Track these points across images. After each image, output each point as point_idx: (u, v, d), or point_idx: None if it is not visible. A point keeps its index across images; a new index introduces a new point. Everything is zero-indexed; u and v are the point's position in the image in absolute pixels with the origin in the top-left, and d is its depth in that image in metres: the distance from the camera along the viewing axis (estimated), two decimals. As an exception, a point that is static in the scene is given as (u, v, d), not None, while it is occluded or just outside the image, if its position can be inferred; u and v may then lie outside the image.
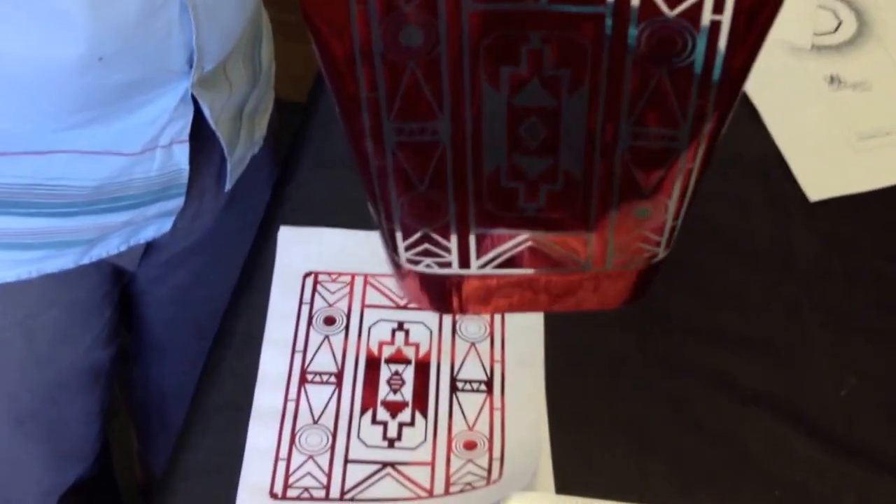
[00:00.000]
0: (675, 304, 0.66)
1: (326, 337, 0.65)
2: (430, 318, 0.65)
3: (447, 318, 0.65)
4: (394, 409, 0.62)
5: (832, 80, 0.80)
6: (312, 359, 0.64)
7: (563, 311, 0.52)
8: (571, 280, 0.49)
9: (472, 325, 0.65)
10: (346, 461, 0.59)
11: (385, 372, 0.63)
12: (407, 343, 0.64)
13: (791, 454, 0.61)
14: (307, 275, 0.67)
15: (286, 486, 0.58)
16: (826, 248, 0.70)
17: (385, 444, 0.60)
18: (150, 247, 0.73)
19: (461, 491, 0.58)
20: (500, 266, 0.47)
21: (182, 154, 0.62)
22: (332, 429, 0.61)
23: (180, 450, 0.61)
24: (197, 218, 0.71)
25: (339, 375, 0.63)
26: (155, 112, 0.59)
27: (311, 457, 0.60)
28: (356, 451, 0.60)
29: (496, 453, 0.60)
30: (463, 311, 0.51)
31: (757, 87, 0.78)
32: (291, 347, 0.64)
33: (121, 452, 0.96)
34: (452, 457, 0.60)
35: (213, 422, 0.61)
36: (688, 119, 0.39)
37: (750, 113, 0.77)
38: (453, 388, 0.62)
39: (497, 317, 0.65)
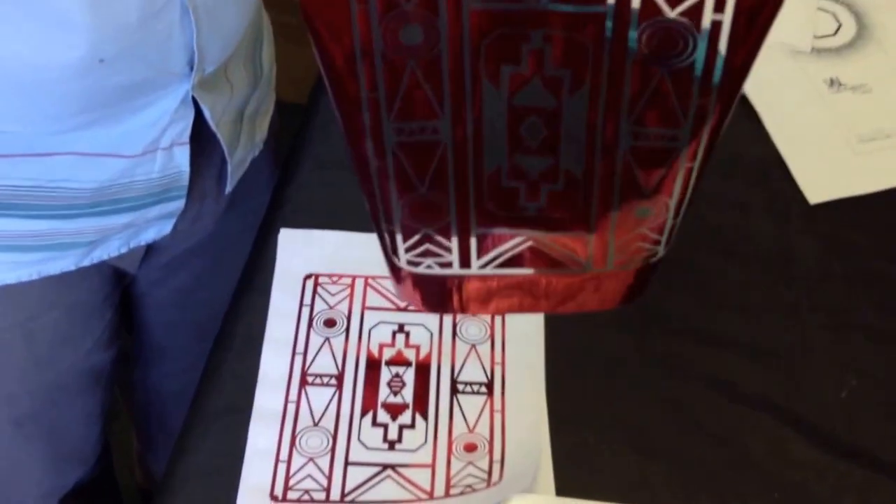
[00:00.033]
0: (676, 306, 0.66)
1: (327, 339, 0.65)
2: (431, 320, 0.65)
3: (448, 321, 0.65)
4: (394, 411, 0.62)
5: (832, 82, 0.80)
6: (313, 361, 0.64)
7: (564, 312, 0.52)
8: (572, 281, 0.49)
9: (473, 327, 0.65)
10: (347, 463, 0.59)
11: (385, 374, 0.63)
12: (407, 345, 0.64)
13: (791, 455, 0.61)
14: (307, 277, 0.67)
15: (286, 489, 0.58)
16: (826, 251, 0.70)
17: (385, 446, 0.60)
18: (150, 249, 0.73)
19: (461, 493, 0.58)
20: (501, 266, 0.47)
21: (183, 156, 0.62)
22: (332, 431, 0.61)
23: (180, 452, 0.61)
24: (197, 220, 0.71)
25: (340, 377, 0.63)
26: (156, 114, 0.59)
27: (311, 459, 0.60)
28: (356, 454, 0.60)
29: (496, 455, 0.60)
30: (463, 311, 0.51)
31: (757, 89, 0.78)
32: (292, 349, 0.64)
33: (121, 454, 0.96)
34: (453, 459, 0.60)
35: (214, 424, 0.61)
36: (688, 118, 0.40)
37: (750, 115, 0.77)
38: (454, 391, 0.62)
39: (497, 319, 0.65)
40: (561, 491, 0.58)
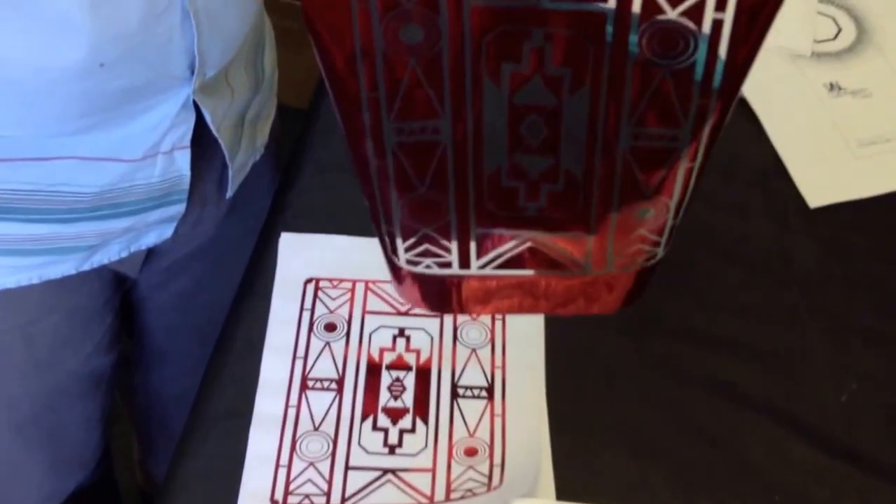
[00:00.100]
0: (676, 309, 0.66)
1: (327, 343, 0.65)
2: (431, 324, 0.65)
3: (448, 325, 0.65)
4: (395, 415, 0.62)
5: (832, 87, 0.80)
6: (313, 365, 0.64)
7: (564, 314, 0.52)
8: (571, 282, 0.49)
9: (473, 331, 0.65)
10: (347, 468, 0.59)
11: (386, 378, 0.63)
12: (408, 349, 0.64)
13: (791, 459, 0.61)
14: (308, 281, 0.67)
15: (287, 493, 0.58)
16: (825, 254, 0.70)
17: (386, 450, 0.60)
18: (151, 253, 0.73)
19: (462, 497, 0.58)
20: (501, 267, 0.47)
21: (183, 160, 0.62)
22: (332, 435, 0.61)
23: (181, 456, 0.61)
24: (198, 224, 0.71)
25: (340, 382, 0.63)
26: (156, 118, 0.59)
27: (311, 463, 0.59)
28: (357, 458, 0.60)
29: (497, 459, 0.60)
30: (462, 311, 0.51)
31: (757, 93, 0.78)
32: (292, 354, 0.64)
33: (122, 458, 0.96)
34: (453, 463, 0.60)
35: (214, 428, 0.61)
36: (689, 118, 0.40)
37: (750, 119, 0.77)
38: (454, 395, 0.62)
39: (498, 323, 0.65)
40: (561, 494, 0.58)
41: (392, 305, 0.66)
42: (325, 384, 0.63)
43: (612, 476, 0.60)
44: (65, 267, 0.65)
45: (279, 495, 0.58)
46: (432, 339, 0.65)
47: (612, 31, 0.38)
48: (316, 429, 0.61)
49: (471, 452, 0.60)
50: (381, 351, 0.64)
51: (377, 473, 0.59)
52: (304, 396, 0.62)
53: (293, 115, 0.82)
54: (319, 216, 0.70)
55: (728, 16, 0.36)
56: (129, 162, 0.60)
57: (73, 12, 0.51)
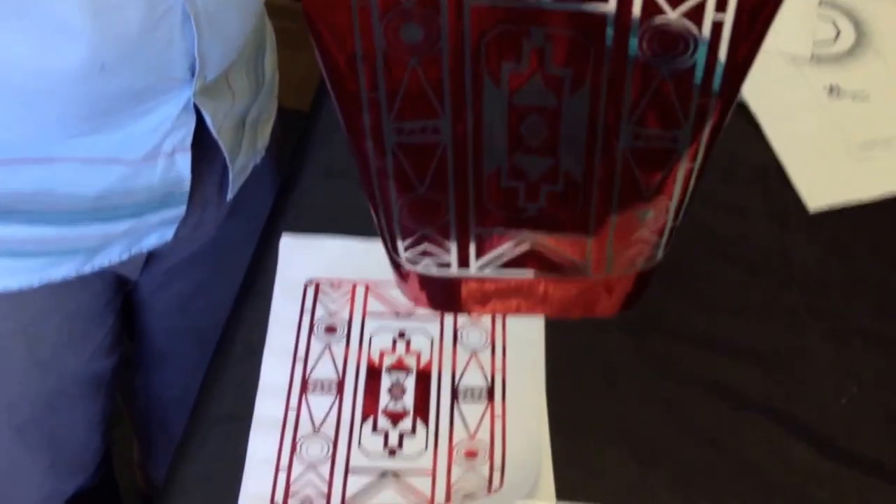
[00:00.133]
0: (676, 312, 0.67)
1: (327, 345, 0.65)
2: (432, 326, 0.65)
3: (448, 327, 0.65)
4: (395, 417, 0.62)
5: (831, 89, 0.80)
6: (314, 368, 0.64)
7: (564, 316, 0.52)
8: (571, 285, 0.49)
9: (474, 333, 0.65)
10: (347, 470, 0.59)
11: (386, 380, 0.63)
12: (408, 351, 0.64)
13: (791, 461, 0.61)
14: (309, 283, 0.67)
15: (287, 496, 0.58)
16: (825, 257, 0.70)
17: (386, 452, 0.60)
18: (152, 255, 0.73)
19: (462, 500, 0.58)
20: (500, 268, 0.47)
21: (184, 163, 0.62)
22: (332, 438, 0.61)
23: (181, 458, 0.61)
24: (199, 227, 0.71)
25: (340, 384, 0.63)
26: (157, 120, 0.59)
27: (311, 466, 0.59)
28: (357, 460, 0.60)
29: (497, 462, 0.60)
30: (462, 310, 0.51)
31: (757, 96, 0.78)
32: (293, 356, 0.64)
33: (122, 461, 0.96)
34: (453, 465, 0.60)
35: (214, 431, 0.61)
36: (689, 119, 0.40)
37: (750, 122, 0.78)
38: (454, 397, 0.62)
39: (498, 325, 0.65)
40: (562, 496, 0.58)
41: (392, 307, 0.66)
42: (326, 386, 0.63)
43: (613, 477, 0.60)
44: (66, 269, 0.65)
45: (279, 498, 0.58)
46: (433, 341, 0.65)
47: (612, 32, 0.38)
48: (316, 431, 0.61)
49: (471, 454, 0.60)
50: (382, 353, 0.64)
51: (377, 476, 0.59)
52: (304, 399, 0.62)
53: (294, 118, 0.83)
54: (320, 218, 0.70)
55: (728, 16, 0.37)
56: (130, 164, 0.60)
57: (74, 15, 0.51)
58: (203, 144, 0.63)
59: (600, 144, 0.41)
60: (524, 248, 0.47)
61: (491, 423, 0.61)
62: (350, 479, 0.59)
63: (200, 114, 0.61)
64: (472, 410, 0.62)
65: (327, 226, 0.70)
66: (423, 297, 0.51)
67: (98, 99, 0.55)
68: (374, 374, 0.63)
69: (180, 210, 0.66)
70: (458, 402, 0.62)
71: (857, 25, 0.84)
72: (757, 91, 0.78)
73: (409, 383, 0.63)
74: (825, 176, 0.75)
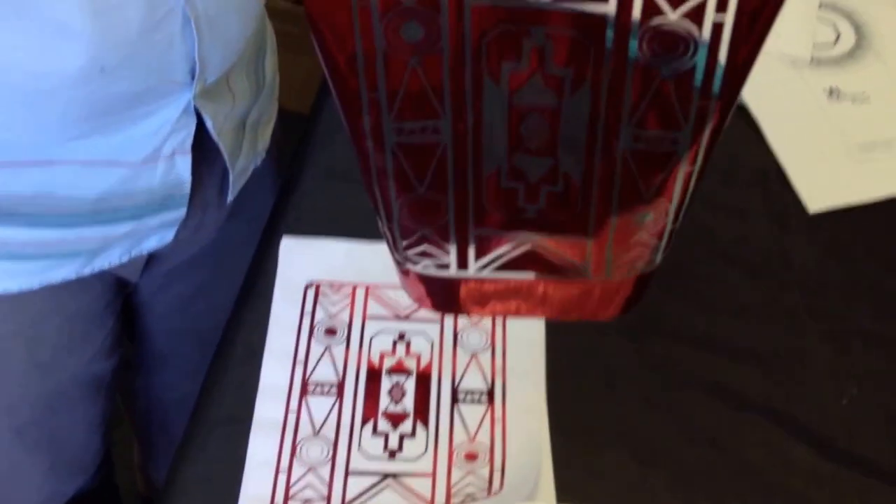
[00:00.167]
0: (676, 314, 0.67)
1: (327, 348, 0.65)
2: (432, 328, 0.65)
3: (448, 329, 0.65)
4: (395, 420, 0.62)
5: (831, 92, 0.80)
6: (314, 370, 0.64)
7: (563, 318, 0.52)
8: (571, 288, 0.49)
9: (474, 335, 0.65)
10: (347, 472, 0.59)
11: (386, 383, 0.63)
12: (408, 354, 0.64)
13: (791, 462, 0.61)
14: (309, 285, 0.67)
15: (287, 498, 0.58)
16: (825, 258, 0.70)
17: (386, 455, 0.60)
18: (152, 258, 0.73)
19: (462, 502, 0.58)
20: (500, 269, 0.47)
21: (184, 165, 0.62)
22: (332, 440, 0.61)
23: (181, 461, 0.61)
24: (199, 229, 0.71)
25: (340, 386, 0.63)
26: (157, 123, 0.59)
27: (311, 468, 0.59)
28: (357, 463, 0.60)
29: (497, 464, 0.60)
30: (462, 312, 0.51)
31: (757, 99, 0.78)
32: (293, 359, 0.64)
33: (123, 462, 0.96)
34: (453, 468, 0.60)
35: (215, 433, 0.61)
36: (689, 121, 0.40)
37: (750, 124, 0.78)
38: (454, 399, 0.62)
39: (498, 327, 0.65)
40: (562, 497, 0.58)
41: (393, 310, 0.66)
42: (326, 389, 0.63)
43: (613, 479, 0.60)
44: (66, 271, 0.65)
45: (279, 500, 0.58)
46: (433, 343, 0.65)
47: (612, 33, 0.38)
48: (316, 433, 0.61)
49: (471, 457, 0.60)
50: (382, 355, 0.64)
51: (377, 478, 0.59)
52: (304, 401, 0.62)
53: (294, 120, 0.83)
54: (321, 220, 0.70)
55: (728, 18, 0.37)
56: (130, 166, 0.60)
57: (74, 18, 0.51)
58: (203, 147, 0.63)
59: (600, 145, 0.41)
60: (523, 249, 0.47)
61: (491, 426, 0.61)
62: (350, 481, 0.59)
63: (201, 116, 0.61)
64: (472, 413, 0.62)
65: (328, 228, 0.70)
66: (425, 297, 0.51)
67: (98, 101, 0.55)
68: (374, 376, 0.63)
69: (180, 212, 0.66)
70: (458, 404, 0.62)
71: (857, 28, 0.84)
72: (757, 93, 0.78)
73: (409, 385, 0.63)
74: (825, 178, 0.75)
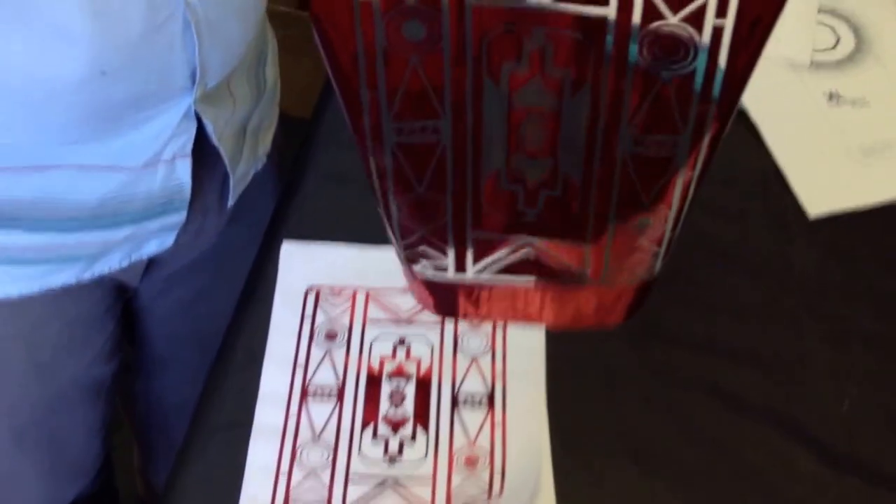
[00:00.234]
0: (677, 318, 0.67)
1: (328, 352, 0.65)
2: (432, 332, 0.65)
3: (449, 334, 0.65)
4: (395, 424, 0.62)
5: (831, 96, 0.80)
6: (314, 375, 0.64)
7: (568, 328, 0.52)
8: (569, 294, 0.49)
9: (474, 339, 0.65)
10: (347, 477, 0.59)
11: (386, 387, 0.63)
12: (408, 358, 0.64)
13: (792, 467, 0.61)
14: (309, 290, 0.68)
15: (287, 503, 0.58)
16: (825, 262, 0.70)
17: (386, 459, 0.60)
18: (152, 262, 0.73)
19: (462, 506, 0.58)
20: (498, 273, 0.47)
21: (184, 169, 0.62)
22: (333, 445, 0.61)
23: (181, 465, 0.61)
24: (200, 233, 0.71)
25: (341, 391, 0.63)
26: (158, 127, 0.59)
27: (311, 473, 0.59)
28: (357, 467, 0.60)
29: (497, 468, 0.60)
30: (461, 315, 0.51)
31: (757, 103, 0.78)
32: (293, 363, 0.64)
33: (123, 467, 0.95)
34: (454, 472, 0.60)
35: (215, 438, 0.61)
36: (688, 126, 0.40)
37: (749, 129, 0.78)
38: (454, 404, 0.62)
39: (499, 332, 0.65)
40: (562, 502, 0.58)
41: (393, 314, 0.66)
42: (326, 393, 0.63)
43: (614, 483, 0.60)
44: (66, 276, 0.65)
45: (279, 504, 0.58)
46: (433, 347, 0.65)
47: (612, 37, 0.38)
48: (316, 438, 0.61)
49: (471, 461, 0.60)
50: (382, 360, 0.64)
51: (377, 482, 0.59)
52: (304, 406, 0.62)
53: (296, 124, 0.83)
54: (322, 225, 0.70)
55: (728, 23, 0.37)
56: (130, 171, 0.60)
57: (75, 22, 0.51)
58: (204, 151, 0.64)
59: (599, 149, 0.41)
60: (521, 253, 0.47)
61: (491, 430, 0.61)
62: (350, 485, 0.59)
63: (201, 121, 0.61)
64: (472, 417, 0.62)
65: (329, 232, 0.70)
66: (427, 299, 0.51)
67: (98, 106, 0.55)
68: (374, 380, 0.63)
69: (181, 217, 0.66)
70: (458, 408, 0.62)
71: (857, 32, 0.85)
72: (757, 97, 0.78)
73: (410, 390, 0.63)
74: (825, 182, 0.75)
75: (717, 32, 0.37)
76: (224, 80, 0.61)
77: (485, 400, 0.63)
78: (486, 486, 0.59)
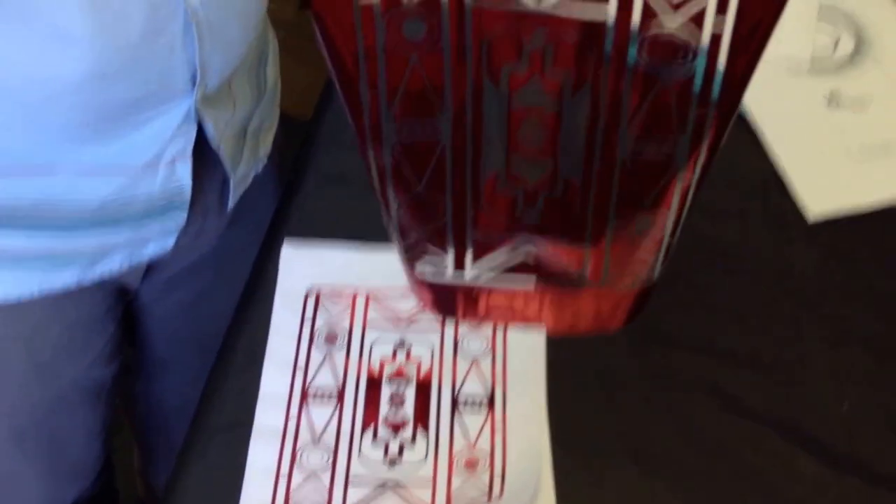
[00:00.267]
0: (677, 321, 0.67)
1: (328, 355, 0.65)
2: (432, 335, 0.65)
3: (449, 336, 0.65)
4: (395, 427, 0.62)
5: (831, 98, 0.80)
6: (314, 377, 0.64)
7: (568, 333, 0.51)
8: (569, 298, 0.49)
9: (474, 341, 0.65)
10: (347, 480, 0.59)
11: (386, 390, 0.63)
12: (408, 360, 0.64)
13: (793, 467, 0.61)
14: (309, 292, 0.68)
15: (287, 504, 0.58)
16: (825, 264, 0.70)
17: (386, 462, 0.60)
18: (152, 264, 0.73)
19: (463, 508, 0.58)
20: (497, 274, 0.47)
21: (184, 171, 0.62)
22: (333, 447, 0.61)
23: (182, 467, 0.61)
24: (200, 235, 0.71)
25: (341, 393, 0.63)
26: (158, 129, 0.59)
27: (312, 475, 0.59)
28: (357, 470, 0.60)
29: (497, 470, 0.60)
30: (460, 316, 0.51)
31: (756, 104, 0.78)
32: (293, 365, 0.64)
33: (123, 468, 0.95)
34: (454, 475, 0.60)
35: (215, 440, 0.61)
36: (688, 129, 0.40)
37: (749, 130, 0.78)
38: (455, 406, 0.62)
39: (499, 334, 0.65)
40: (562, 503, 0.58)
41: (393, 317, 0.66)
42: (326, 396, 0.63)
43: (614, 486, 0.60)
44: (66, 278, 0.65)
45: (279, 506, 0.58)
46: (433, 350, 0.65)
47: (611, 39, 0.38)
48: (316, 440, 0.61)
49: (471, 464, 0.60)
50: (382, 362, 0.64)
51: (377, 485, 0.59)
52: (304, 408, 0.62)
53: (296, 126, 0.83)
54: (322, 226, 0.70)
55: (727, 26, 0.37)
56: (130, 173, 0.60)
57: (75, 23, 0.51)
58: (204, 153, 0.63)
59: (599, 151, 0.41)
60: (521, 254, 0.47)
61: (491, 432, 0.61)
62: (350, 488, 0.59)
63: (201, 122, 0.61)
64: (472, 419, 0.62)
65: (329, 234, 0.70)
66: (427, 298, 0.51)
67: (99, 107, 0.55)
68: (374, 383, 0.63)
69: (181, 219, 0.66)
70: (458, 411, 0.62)
71: (857, 33, 0.85)
72: (756, 99, 0.78)
73: (410, 392, 0.63)
74: (825, 183, 0.75)
75: (717, 35, 0.37)
76: (225, 81, 0.61)
77: (485, 402, 0.63)
78: (487, 489, 0.59)
